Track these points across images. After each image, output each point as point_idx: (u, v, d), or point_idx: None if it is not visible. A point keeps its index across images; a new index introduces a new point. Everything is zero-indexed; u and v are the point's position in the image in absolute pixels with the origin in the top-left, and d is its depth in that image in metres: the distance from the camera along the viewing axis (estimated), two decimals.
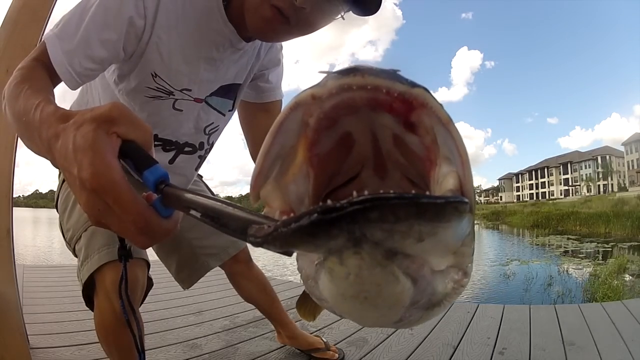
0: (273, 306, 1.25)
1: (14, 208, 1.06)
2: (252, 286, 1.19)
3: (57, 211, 0.85)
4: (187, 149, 0.82)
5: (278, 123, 0.24)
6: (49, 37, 0.58)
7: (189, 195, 0.28)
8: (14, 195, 1.08)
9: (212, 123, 0.83)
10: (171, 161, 0.82)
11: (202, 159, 0.89)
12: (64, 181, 0.82)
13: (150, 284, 0.81)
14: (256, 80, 0.87)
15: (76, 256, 0.78)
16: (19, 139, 1.05)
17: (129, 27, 0.62)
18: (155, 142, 0.76)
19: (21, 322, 1.06)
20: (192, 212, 0.27)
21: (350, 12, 0.64)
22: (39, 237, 13.72)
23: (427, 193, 0.21)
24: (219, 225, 0.25)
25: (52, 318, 1.61)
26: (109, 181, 0.29)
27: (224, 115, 0.84)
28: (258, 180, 0.25)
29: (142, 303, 0.81)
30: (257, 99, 0.90)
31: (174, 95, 0.73)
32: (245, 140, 0.96)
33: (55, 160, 0.35)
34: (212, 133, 0.85)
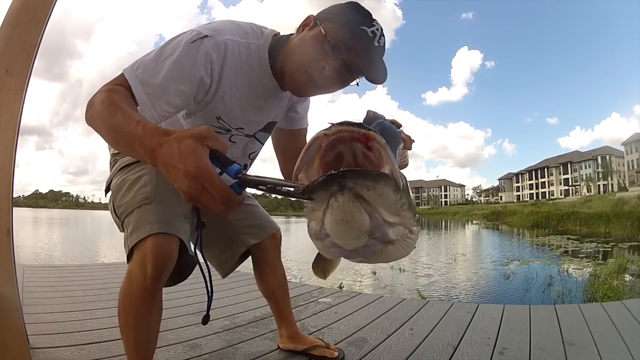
0: (284, 302, 1.32)
1: (14, 208, 1.06)
2: (273, 277, 1.27)
3: (109, 192, 0.98)
4: None
5: (308, 145, 0.49)
6: (132, 79, 0.71)
7: (256, 178, 0.52)
8: (14, 195, 1.08)
9: (255, 151, 1.05)
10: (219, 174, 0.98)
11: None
12: (118, 169, 0.97)
13: (191, 267, 0.96)
14: (288, 111, 1.07)
15: (122, 230, 0.91)
16: (18, 139, 1.05)
17: (200, 84, 0.79)
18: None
19: (21, 322, 1.05)
20: (260, 187, 0.52)
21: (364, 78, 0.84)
22: (39, 237, 13.72)
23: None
24: (276, 192, 0.51)
25: (52, 318, 1.61)
26: (206, 172, 0.49)
27: (263, 144, 1.06)
28: (297, 171, 0.50)
29: (179, 282, 0.95)
30: (288, 126, 1.11)
31: (230, 132, 0.93)
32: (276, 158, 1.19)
33: (155, 160, 0.53)
34: (253, 158, 1.07)
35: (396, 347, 1.40)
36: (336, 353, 1.27)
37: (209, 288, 0.95)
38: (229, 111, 0.88)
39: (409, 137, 0.96)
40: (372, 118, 0.88)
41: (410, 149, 0.97)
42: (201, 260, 0.95)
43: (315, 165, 0.50)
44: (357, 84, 0.84)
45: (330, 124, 0.48)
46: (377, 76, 0.81)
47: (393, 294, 4.87)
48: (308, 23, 0.84)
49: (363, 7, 0.81)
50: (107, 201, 0.99)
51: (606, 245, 11.56)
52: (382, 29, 0.81)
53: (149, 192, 0.89)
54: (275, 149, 1.17)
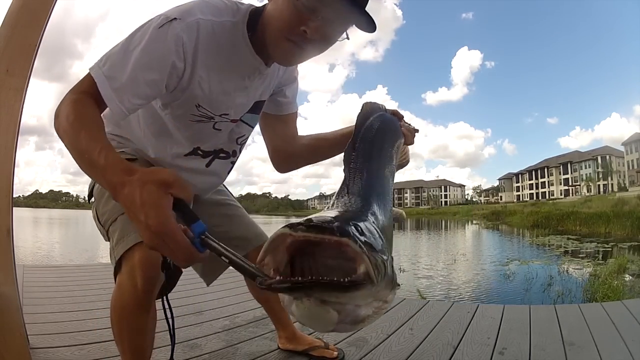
0: (278, 305, 1.25)
1: (14, 208, 1.06)
2: None
3: (92, 197, 0.94)
4: (221, 154, 0.95)
5: (272, 239, 0.47)
6: (98, 75, 0.67)
7: (219, 247, 0.51)
8: (14, 195, 1.08)
9: (244, 135, 0.97)
10: (207, 164, 0.94)
11: (233, 163, 1.02)
12: None
13: (178, 274, 0.88)
14: (275, 95, 0.99)
15: (108, 239, 0.85)
16: (18, 139, 1.05)
17: (172, 69, 0.72)
18: (198, 153, 0.91)
19: (21, 322, 1.05)
20: (222, 258, 0.50)
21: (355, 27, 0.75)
22: (39, 237, 13.72)
23: (342, 279, 0.43)
24: (237, 268, 0.49)
25: (52, 318, 1.61)
26: (169, 229, 0.48)
27: (252, 127, 0.99)
28: (263, 256, 0.48)
29: (169, 292, 0.90)
30: (276, 111, 1.02)
31: (214, 119, 0.86)
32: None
33: (117, 199, 0.52)
34: (242, 143, 0.99)
35: (396, 347, 1.40)
36: (335, 353, 1.27)
37: (172, 333, 0.89)
38: (209, 97, 0.81)
39: (411, 130, 0.90)
40: (370, 111, 0.82)
41: (411, 143, 0.91)
42: (166, 306, 0.87)
43: (281, 253, 0.47)
44: (348, 37, 0.75)
45: (298, 223, 0.44)
46: (366, 25, 0.71)
47: None
48: None
49: None
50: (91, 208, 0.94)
51: (606, 245, 11.55)
52: None
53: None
54: (263, 135, 1.07)
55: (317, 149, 1.04)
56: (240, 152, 1.01)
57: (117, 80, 0.67)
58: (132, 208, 0.49)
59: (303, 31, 0.70)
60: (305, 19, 0.69)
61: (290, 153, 1.05)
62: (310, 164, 1.09)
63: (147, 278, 0.78)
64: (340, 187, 0.66)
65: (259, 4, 0.82)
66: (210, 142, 0.91)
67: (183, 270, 0.85)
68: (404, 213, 0.89)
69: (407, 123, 0.92)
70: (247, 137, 1.01)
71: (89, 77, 0.68)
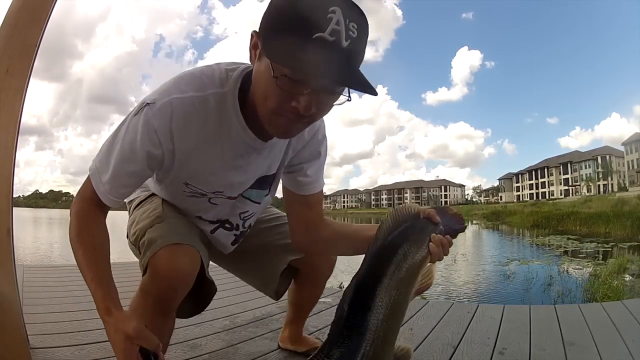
0: (307, 312, 1.27)
1: (14, 208, 1.06)
2: (310, 294, 1.19)
3: (130, 215, 0.95)
4: (227, 225, 0.94)
5: None
6: (93, 172, 0.73)
7: None
8: (14, 195, 1.08)
9: (247, 211, 0.93)
10: (212, 232, 0.94)
11: (238, 236, 0.98)
12: (134, 208, 0.94)
13: (213, 288, 0.91)
14: (295, 173, 0.88)
15: (140, 254, 0.85)
16: (18, 139, 1.05)
17: (149, 158, 0.72)
18: (202, 219, 0.91)
19: (21, 322, 1.05)
20: None
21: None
22: (39, 237, 13.72)
23: None
24: None
25: (52, 318, 1.61)
26: None
27: (259, 203, 0.93)
28: None
29: (196, 312, 0.96)
30: (296, 190, 0.90)
31: (207, 195, 0.84)
32: None
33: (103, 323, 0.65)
34: (247, 218, 0.95)
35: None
36: None
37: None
38: (195, 177, 0.79)
39: (444, 242, 0.72)
40: (395, 219, 0.70)
41: (439, 259, 0.73)
42: None
43: None
44: (349, 99, 0.65)
45: None
46: (362, 89, 0.61)
47: None
48: (255, 45, 0.65)
49: None
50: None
51: (606, 245, 11.55)
52: (346, 13, 0.58)
53: (160, 212, 0.85)
54: (285, 211, 0.96)
55: (336, 245, 0.93)
56: (247, 226, 0.97)
57: (104, 176, 0.72)
58: (110, 341, 0.64)
59: (294, 107, 0.63)
60: (293, 95, 0.62)
61: (310, 239, 0.92)
62: (329, 255, 1.03)
63: (170, 283, 0.77)
64: (339, 312, 0.63)
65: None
66: (210, 213, 0.89)
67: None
68: (410, 349, 0.78)
69: (446, 229, 0.74)
70: (255, 213, 0.96)
71: (88, 179, 0.74)
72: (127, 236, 0.92)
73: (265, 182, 0.88)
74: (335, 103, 0.66)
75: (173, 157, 0.74)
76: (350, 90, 0.64)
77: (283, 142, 0.82)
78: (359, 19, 0.60)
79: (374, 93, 0.61)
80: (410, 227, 0.70)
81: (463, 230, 0.77)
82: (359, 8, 0.61)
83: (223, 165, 0.78)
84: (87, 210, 0.73)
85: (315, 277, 1.13)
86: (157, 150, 0.71)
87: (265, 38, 0.62)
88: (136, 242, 0.86)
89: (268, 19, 0.62)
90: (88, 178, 0.74)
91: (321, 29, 0.57)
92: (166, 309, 0.81)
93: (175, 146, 0.72)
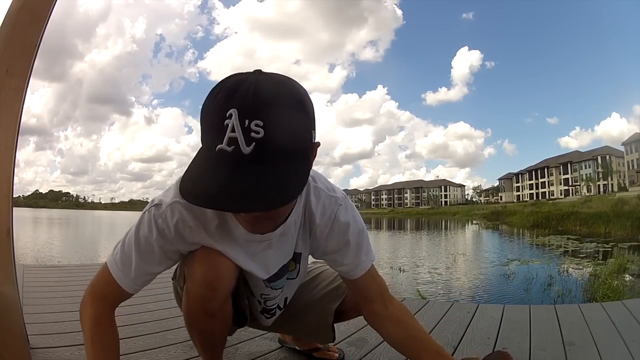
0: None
1: (14, 208, 1.06)
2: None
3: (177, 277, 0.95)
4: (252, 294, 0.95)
5: None
6: (112, 266, 0.77)
7: None
8: (14, 195, 1.08)
9: (270, 296, 0.94)
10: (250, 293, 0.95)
11: (263, 310, 0.98)
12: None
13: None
14: (333, 263, 0.88)
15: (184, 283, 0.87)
16: (18, 139, 1.05)
17: (165, 251, 0.76)
18: None
19: (21, 322, 1.05)
20: None
21: None
22: (39, 237, 13.72)
23: None
24: None
25: (52, 318, 1.61)
26: None
27: (280, 289, 0.93)
28: None
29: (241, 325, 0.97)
30: (345, 277, 0.89)
31: None
32: None
33: None
34: (266, 300, 0.95)
35: None
36: (336, 354, 1.27)
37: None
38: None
39: None
40: None
41: None
42: None
43: None
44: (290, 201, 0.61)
45: None
46: (271, 200, 0.55)
47: (393, 293, 4.86)
48: None
49: (223, 88, 0.55)
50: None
51: (606, 245, 11.56)
52: (245, 113, 0.52)
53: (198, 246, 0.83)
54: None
55: (397, 346, 0.92)
56: (267, 309, 0.97)
57: (127, 269, 0.76)
58: None
59: (241, 217, 0.65)
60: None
61: (374, 322, 0.92)
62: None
63: (206, 282, 0.80)
64: None
65: None
66: None
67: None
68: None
69: None
70: (279, 302, 0.97)
71: (106, 269, 0.78)
72: (175, 287, 0.97)
73: (284, 270, 0.89)
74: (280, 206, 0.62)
75: (189, 244, 0.78)
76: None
77: (293, 230, 0.81)
78: (272, 110, 0.54)
79: (282, 202, 0.57)
80: None
81: None
82: (276, 91, 0.56)
83: (233, 252, 0.80)
84: (104, 315, 0.78)
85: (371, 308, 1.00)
86: (168, 245, 0.76)
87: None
88: (179, 280, 0.89)
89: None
90: (103, 272, 0.79)
91: (220, 140, 0.53)
92: (208, 309, 0.83)
93: (187, 239, 0.77)
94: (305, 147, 0.60)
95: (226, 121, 0.53)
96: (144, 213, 0.76)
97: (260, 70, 0.58)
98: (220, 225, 0.76)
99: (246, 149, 0.53)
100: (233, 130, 0.52)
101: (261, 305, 0.96)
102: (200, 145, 0.59)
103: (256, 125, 0.52)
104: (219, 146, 0.53)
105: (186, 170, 0.58)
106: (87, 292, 0.80)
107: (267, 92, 0.54)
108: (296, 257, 0.88)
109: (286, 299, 1.00)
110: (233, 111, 0.52)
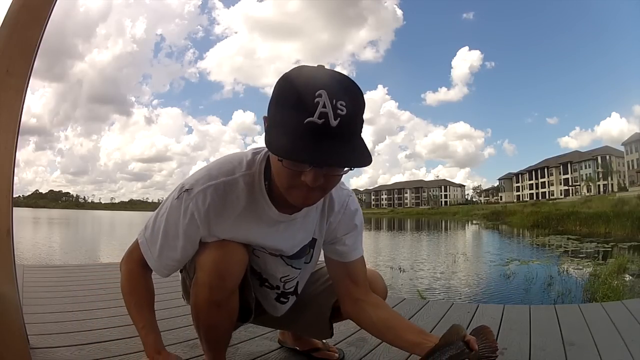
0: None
1: (14, 208, 1.06)
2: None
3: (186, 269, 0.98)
4: (266, 284, 1.00)
5: None
6: (143, 244, 0.87)
7: None
8: (14, 195, 1.08)
9: (289, 276, 0.99)
10: (260, 285, 1.00)
11: (280, 295, 1.03)
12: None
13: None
14: (335, 244, 0.97)
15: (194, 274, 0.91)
16: (18, 139, 1.05)
17: (191, 235, 0.83)
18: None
19: (21, 322, 1.05)
20: None
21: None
22: (39, 237, 13.73)
23: None
24: None
25: (52, 318, 1.61)
26: None
27: (299, 269, 0.99)
28: None
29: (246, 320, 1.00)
30: (337, 258, 0.98)
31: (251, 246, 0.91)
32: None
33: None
34: (287, 281, 1.00)
35: (396, 347, 1.40)
36: (336, 354, 1.27)
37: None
38: (236, 239, 0.86)
39: None
40: (449, 339, 0.80)
41: None
42: None
43: None
44: (352, 169, 0.71)
45: None
46: (354, 163, 0.67)
47: (393, 294, 4.87)
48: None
49: (303, 75, 0.68)
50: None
51: (606, 245, 11.56)
52: (332, 93, 0.64)
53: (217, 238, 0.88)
54: (333, 283, 1.03)
55: (381, 333, 0.97)
56: (289, 289, 1.01)
57: (154, 249, 0.85)
58: None
59: (303, 181, 0.71)
60: (299, 172, 0.70)
61: (356, 313, 0.98)
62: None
63: (219, 273, 0.84)
64: None
65: None
66: (253, 263, 0.95)
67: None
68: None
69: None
70: (296, 282, 1.02)
71: (137, 246, 0.88)
72: (184, 283, 1.01)
73: (303, 251, 0.96)
74: (340, 173, 0.73)
75: (210, 233, 0.84)
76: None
77: (315, 214, 0.91)
78: (348, 94, 0.66)
79: (366, 164, 0.66)
80: (452, 347, 0.81)
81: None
82: (348, 81, 0.68)
83: (259, 236, 0.87)
84: (137, 271, 0.89)
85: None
86: (197, 230, 0.82)
87: (268, 126, 0.70)
88: (190, 271, 0.92)
89: (269, 107, 0.71)
90: (135, 247, 0.88)
91: (310, 114, 0.63)
92: (215, 298, 0.86)
93: (212, 227, 0.83)
94: (362, 126, 0.71)
95: (316, 99, 0.63)
96: (174, 199, 0.82)
97: (323, 66, 0.71)
98: (250, 207, 0.83)
99: (333, 122, 0.64)
100: (324, 107, 0.63)
101: (280, 290, 1.00)
102: (265, 123, 0.71)
103: (341, 104, 0.64)
104: (309, 119, 0.63)
105: (269, 141, 0.67)
106: (123, 259, 0.91)
107: (344, 81, 0.68)
108: (312, 243, 0.96)
109: (298, 285, 1.04)
110: (322, 92, 0.63)
